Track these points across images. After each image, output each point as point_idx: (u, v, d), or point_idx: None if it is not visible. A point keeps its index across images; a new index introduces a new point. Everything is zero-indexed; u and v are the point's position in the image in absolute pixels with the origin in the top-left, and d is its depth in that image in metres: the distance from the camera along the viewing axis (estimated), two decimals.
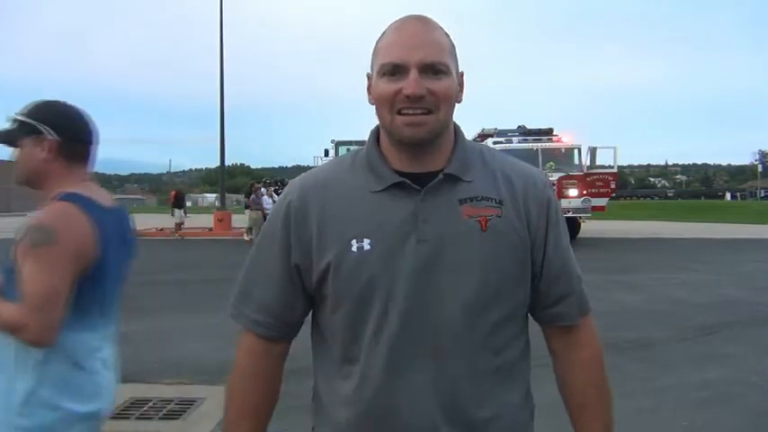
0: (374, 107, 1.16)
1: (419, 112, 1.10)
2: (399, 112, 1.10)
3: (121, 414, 4.02)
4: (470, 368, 1.13)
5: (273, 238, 1.20)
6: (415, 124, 1.10)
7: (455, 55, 1.16)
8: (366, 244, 1.12)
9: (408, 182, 1.13)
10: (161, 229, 22.66)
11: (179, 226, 21.01)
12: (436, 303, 1.12)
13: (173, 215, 21.80)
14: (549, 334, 1.26)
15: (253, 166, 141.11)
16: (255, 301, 1.22)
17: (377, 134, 1.21)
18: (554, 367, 1.27)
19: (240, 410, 1.23)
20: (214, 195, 69.39)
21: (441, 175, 1.14)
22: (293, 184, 1.24)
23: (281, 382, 1.27)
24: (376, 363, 1.13)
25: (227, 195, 27.44)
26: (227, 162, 30.80)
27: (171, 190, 23.49)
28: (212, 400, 4.18)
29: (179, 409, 4.11)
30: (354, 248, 1.12)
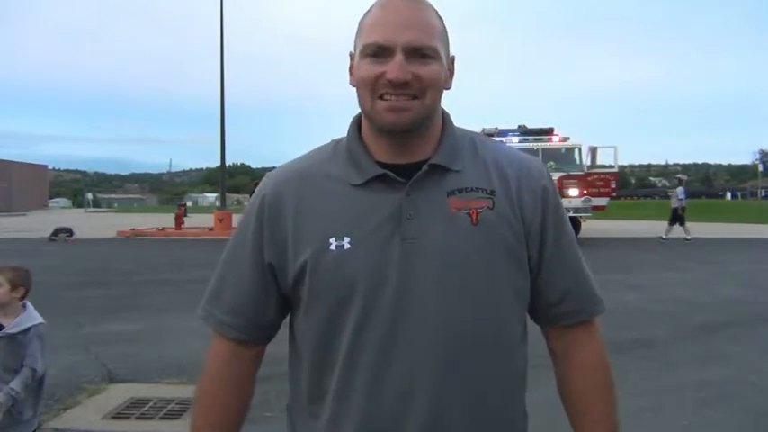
0: (355, 90, 1.06)
1: (403, 98, 1.00)
2: (381, 97, 1.01)
3: (121, 414, 4.03)
4: (464, 376, 1.03)
5: (246, 235, 1.10)
6: (397, 109, 1.00)
7: (446, 38, 1.07)
8: (346, 243, 1.02)
9: (392, 175, 1.04)
10: (161, 229, 22.66)
11: None
12: (424, 308, 1.01)
13: None
14: (549, 334, 1.17)
15: (253, 166, 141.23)
16: (225, 302, 1.13)
17: (358, 122, 1.11)
18: (554, 369, 1.18)
19: (206, 417, 1.14)
20: (214, 195, 69.39)
21: (426, 167, 1.04)
22: (269, 176, 1.14)
23: (253, 387, 1.18)
24: (356, 377, 1.03)
25: (227, 195, 27.36)
26: (228, 162, 30.68)
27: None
28: None
29: (179, 409, 4.10)
30: (333, 247, 1.02)
